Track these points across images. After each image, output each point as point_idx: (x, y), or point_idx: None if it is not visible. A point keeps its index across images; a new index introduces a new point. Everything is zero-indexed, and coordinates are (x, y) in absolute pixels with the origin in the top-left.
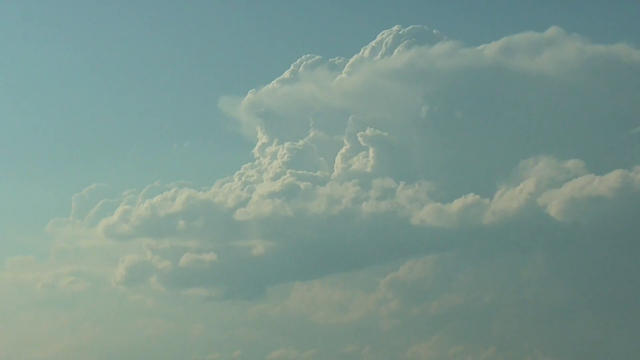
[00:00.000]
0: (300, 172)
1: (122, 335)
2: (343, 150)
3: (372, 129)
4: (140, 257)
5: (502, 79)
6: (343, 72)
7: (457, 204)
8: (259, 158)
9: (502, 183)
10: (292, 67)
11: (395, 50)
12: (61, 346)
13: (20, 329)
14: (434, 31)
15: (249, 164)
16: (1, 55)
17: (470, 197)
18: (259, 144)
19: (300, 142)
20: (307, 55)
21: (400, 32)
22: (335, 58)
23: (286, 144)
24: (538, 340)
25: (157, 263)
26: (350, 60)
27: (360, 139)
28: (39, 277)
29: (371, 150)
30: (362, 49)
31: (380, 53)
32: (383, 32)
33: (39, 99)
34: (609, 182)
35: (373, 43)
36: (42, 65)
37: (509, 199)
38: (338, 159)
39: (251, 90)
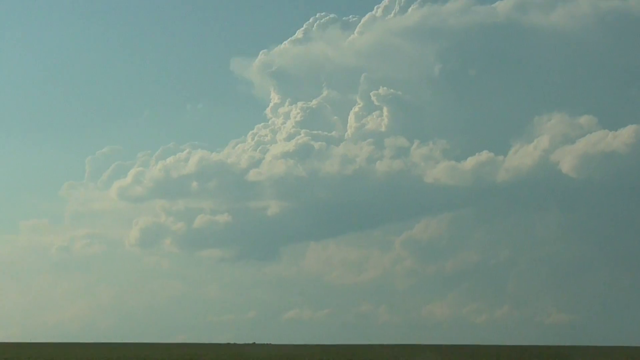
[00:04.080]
0: (314, 132)
1: (138, 297)
2: (356, 109)
3: (385, 87)
4: (154, 219)
5: (516, 36)
6: (355, 31)
7: (471, 162)
8: (271, 118)
9: (515, 140)
10: (304, 26)
11: (410, 8)
12: (77, 309)
13: (37, 291)
14: None
15: (262, 124)
16: (17, 23)
17: (484, 155)
18: (271, 104)
19: (314, 101)
20: (321, 14)
21: None
22: (350, 16)
23: (299, 104)
24: (552, 297)
25: (171, 225)
26: (363, 20)
27: (373, 98)
28: (53, 240)
29: (385, 109)
30: (375, 8)
31: (393, 12)
32: None
33: (52, 64)
34: (622, 137)
35: (386, 1)
36: (56, 31)
37: (522, 156)
38: (351, 118)
39: (263, 51)
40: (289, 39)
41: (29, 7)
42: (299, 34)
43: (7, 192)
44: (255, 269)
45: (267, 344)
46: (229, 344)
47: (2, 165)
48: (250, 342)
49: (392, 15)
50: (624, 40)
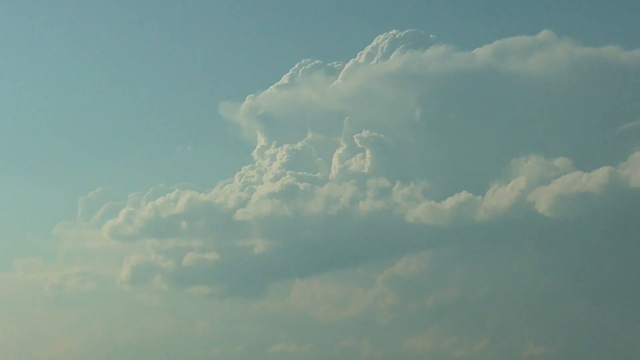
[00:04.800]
0: (299, 173)
1: (129, 333)
2: (340, 151)
3: (367, 131)
4: (145, 257)
5: (494, 82)
6: (339, 77)
7: (450, 202)
8: (258, 160)
9: (494, 181)
10: (290, 71)
11: (392, 55)
12: (70, 344)
13: (30, 327)
14: (431, 35)
15: (249, 166)
16: (6, 60)
17: (463, 195)
18: (258, 146)
19: (299, 144)
20: (306, 60)
21: (397, 36)
22: (334, 62)
23: (285, 146)
24: (530, 332)
25: (161, 263)
26: (347, 66)
27: (356, 140)
28: (47, 278)
29: (367, 151)
30: (358, 54)
31: (376, 58)
32: (379, 36)
33: (44, 105)
34: (596, 178)
35: (369, 48)
36: (46, 72)
37: (500, 197)
38: (335, 160)
39: (250, 96)
40: (275, 84)
41: (17, 45)
42: (284, 79)
43: (3, 231)
44: (243, 305)
45: None
46: None
47: None
48: None
49: (374, 61)
50: (598, 86)
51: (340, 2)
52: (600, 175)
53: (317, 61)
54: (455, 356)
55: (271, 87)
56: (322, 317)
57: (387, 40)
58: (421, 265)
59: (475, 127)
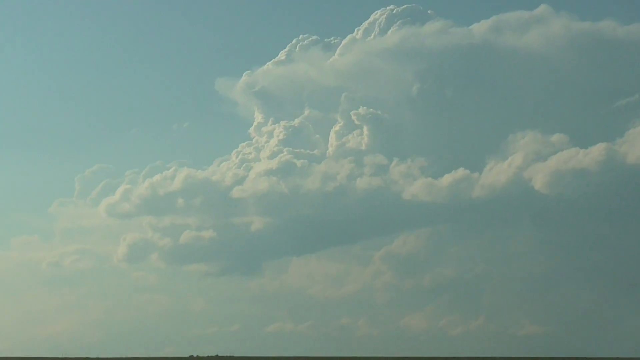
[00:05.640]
0: (296, 150)
1: (126, 311)
2: (337, 128)
3: (365, 107)
4: (142, 235)
5: (491, 57)
6: (336, 53)
7: (447, 179)
8: (255, 137)
9: (490, 157)
10: (287, 47)
11: (389, 31)
12: (68, 322)
13: (28, 306)
14: (428, 11)
15: (246, 142)
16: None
17: (460, 172)
18: (255, 123)
19: (296, 121)
20: (304, 36)
21: (394, 12)
22: (331, 38)
23: (282, 123)
24: (526, 310)
25: (158, 240)
26: (344, 41)
27: (353, 117)
28: (44, 256)
29: (364, 128)
30: (355, 30)
31: (373, 33)
32: (376, 12)
33: (42, 85)
34: (593, 154)
35: (366, 23)
36: (45, 51)
37: (497, 173)
38: (332, 136)
39: (246, 72)
40: (272, 60)
41: (17, 27)
42: (281, 55)
43: None
44: (239, 283)
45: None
46: (217, 356)
47: None
48: (237, 354)
49: (372, 37)
50: (595, 61)
51: None
52: (596, 151)
53: (314, 37)
54: (451, 334)
55: (268, 63)
56: (319, 296)
57: (385, 15)
58: (418, 243)
59: (472, 103)
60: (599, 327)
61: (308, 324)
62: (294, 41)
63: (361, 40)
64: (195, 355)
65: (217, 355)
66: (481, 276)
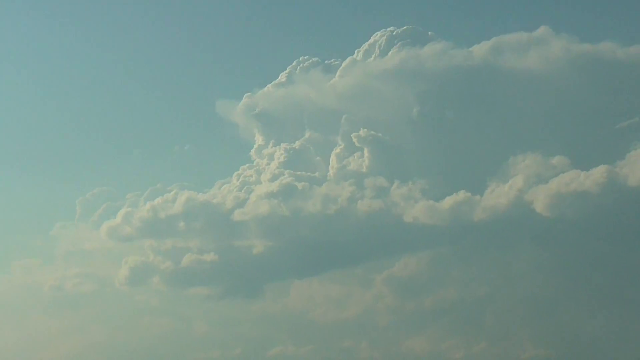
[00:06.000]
0: (297, 172)
1: (128, 334)
2: (338, 150)
3: (365, 129)
4: (143, 258)
5: (492, 78)
6: (336, 75)
7: (448, 201)
8: (256, 159)
9: (491, 180)
10: (288, 69)
11: (389, 52)
12: (69, 346)
13: (29, 330)
14: (428, 32)
15: (247, 165)
16: (5, 60)
17: (462, 194)
18: (256, 145)
19: (297, 143)
20: (304, 57)
21: (394, 33)
22: (332, 60)
23: (283, 145)
24: (528, 333)
25: (159, 263)
26: (344, 63)
27: (354, 139)
28: (45, 279)
29: (365, 150)
30: (355, 51)
31: (373, 55)
32: (376, 33)
33: (43, 106)
34: (594, 177)
35: (367, 45)
36: (46, 72)
37: (498, 196)
38: (333, 159)
39: (247, 94)
40: (272, 82)
41: (18, 48)
42: (282, 77)
43: (0, 232)
44: (241, 306)
45: None
46: None
47: None
48: None
49: (372, 58)
50: (595, 83)
51: None
52: (598, 173)
53: (314, 59)
54: (453, 358)
55: (268, 85)
56: (321, 318)
57: (385, 37)
58: (419, 265)
59: (473, 125)
60: (604, 348)
61: (310, 348)
62: (294, 63)
63: (361, 62)
64: None
65: None
66: (483, 298)
